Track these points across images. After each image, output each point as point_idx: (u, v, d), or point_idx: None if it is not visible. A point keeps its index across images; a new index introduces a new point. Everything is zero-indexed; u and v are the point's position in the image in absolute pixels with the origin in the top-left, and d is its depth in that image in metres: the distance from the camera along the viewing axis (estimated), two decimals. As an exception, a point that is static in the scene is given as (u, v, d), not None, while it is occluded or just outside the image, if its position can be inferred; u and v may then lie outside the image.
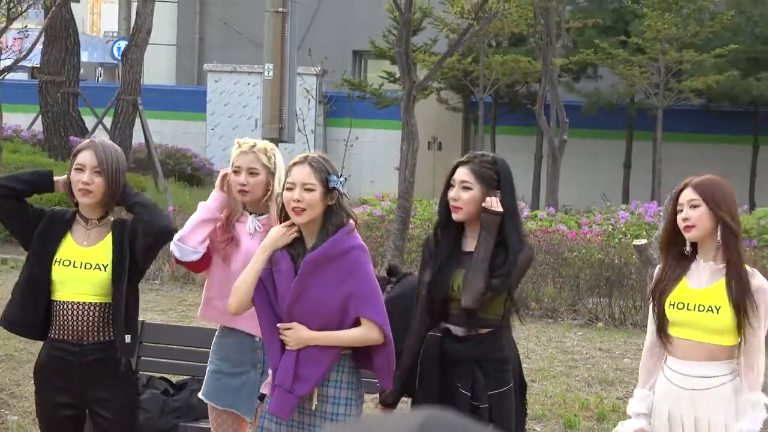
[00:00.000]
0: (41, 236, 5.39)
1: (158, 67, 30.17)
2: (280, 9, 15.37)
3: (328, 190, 5.03)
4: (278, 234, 5.10)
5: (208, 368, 5.85)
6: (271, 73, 15.53)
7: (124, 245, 5.35)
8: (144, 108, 21.16)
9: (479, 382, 5.16)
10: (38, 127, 22.89)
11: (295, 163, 5.09)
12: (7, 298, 5.19)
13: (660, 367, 5.16)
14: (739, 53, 23.07)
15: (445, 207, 5.33)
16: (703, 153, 25.37)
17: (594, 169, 25.91)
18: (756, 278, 4.97)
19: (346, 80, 24.33)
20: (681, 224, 5.00)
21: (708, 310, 4.96)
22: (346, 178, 5.21)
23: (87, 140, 5.52)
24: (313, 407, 5.05)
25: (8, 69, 13.48)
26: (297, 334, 5.03)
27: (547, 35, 20.43)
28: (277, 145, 17.88)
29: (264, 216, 5.67)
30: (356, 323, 5.03)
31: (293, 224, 5.08)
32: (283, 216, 5.10)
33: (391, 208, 16.31)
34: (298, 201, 4.99)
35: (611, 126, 25.90)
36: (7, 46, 20.71)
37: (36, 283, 5.37)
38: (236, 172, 5.62)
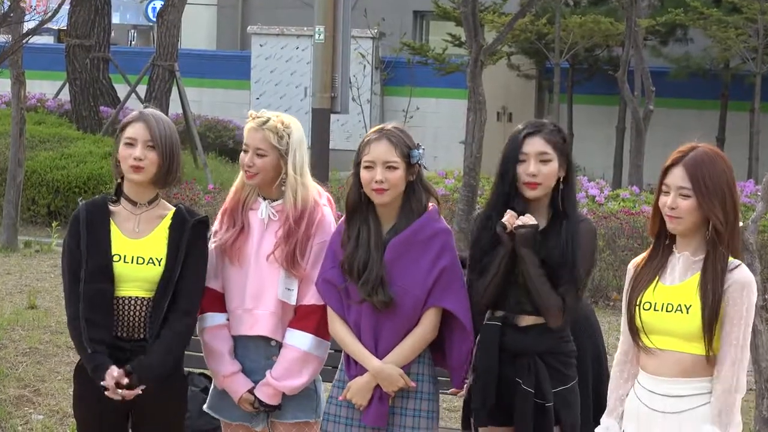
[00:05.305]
0: (91, 249, 5.12)
1: (197, 30, 30.29)
2: (333, -36, 15.38)
3: (410, 166, 5.14)
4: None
5: (214, 379, 5.56)
6: (322, 36, 15.55)
7: (181, 244, 5.18)
8: (181, 75, 21.24)
9: (544, 377, 5.10)
10: (65, 96, 23.05)
11: (371, 139, 5.16)
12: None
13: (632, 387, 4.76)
14: None
15: (513, 184, 5.12)
16: (807, 125, 25.10)
17: (683, 143, 25.54)
18: (738, 272, 4.48)
19: (406, 44, 24.27)
20: (665, 210, 4.54)
21: (677, 310, 4.48)
22: (424, 149, 5.27)
23: (136, 112, 5.32)
24: (390, 401, 5.15)
25: (32, 32, 13.47)
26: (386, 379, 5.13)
27: (632, -7, 20.27)
28: (329, 117, 17.53)
29: (278, 202, 5.37)
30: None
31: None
32: (353, 193, 5.16)
33: (455, 186, 16.28)
34: (381, 182, 5.08)
35: (703, 95, 25.68)
36: (30, 7, 20.87)
37: (103, 300, 5.11)
38: (245, 150, 5.35)
